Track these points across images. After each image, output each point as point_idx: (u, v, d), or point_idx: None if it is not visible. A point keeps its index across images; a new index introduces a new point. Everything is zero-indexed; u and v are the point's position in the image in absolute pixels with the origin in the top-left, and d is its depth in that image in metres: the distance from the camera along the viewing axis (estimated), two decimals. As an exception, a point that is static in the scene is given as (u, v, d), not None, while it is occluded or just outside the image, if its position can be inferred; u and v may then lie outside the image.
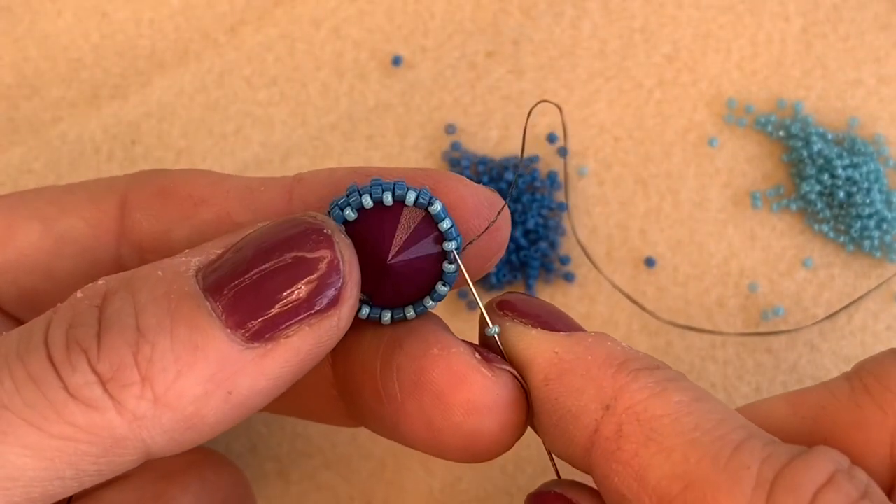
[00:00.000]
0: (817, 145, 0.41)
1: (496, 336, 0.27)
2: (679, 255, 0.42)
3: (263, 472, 0.39)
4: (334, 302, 0.24)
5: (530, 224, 0.41)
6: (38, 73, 0.45)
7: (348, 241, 0.25)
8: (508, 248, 0.41)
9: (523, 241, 0.41)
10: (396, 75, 0.44)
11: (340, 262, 0.24)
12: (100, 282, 0.24)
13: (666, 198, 0.42)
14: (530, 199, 0.41)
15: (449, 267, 0.27)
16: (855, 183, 0.41)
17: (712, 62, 0.44)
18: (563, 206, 0.42)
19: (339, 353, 0.28)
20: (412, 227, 0.27)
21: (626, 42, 0.44)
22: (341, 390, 0.30)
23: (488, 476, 0.40)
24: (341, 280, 0.24)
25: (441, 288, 0.27)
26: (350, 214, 0.26)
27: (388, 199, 0.26)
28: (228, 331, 0.23)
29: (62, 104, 0.44)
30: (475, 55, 0.44)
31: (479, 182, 0.42)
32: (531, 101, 0.43)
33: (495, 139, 0.43)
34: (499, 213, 0.28)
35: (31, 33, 0.45)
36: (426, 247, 0.27)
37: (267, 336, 0.24)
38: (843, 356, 0.40)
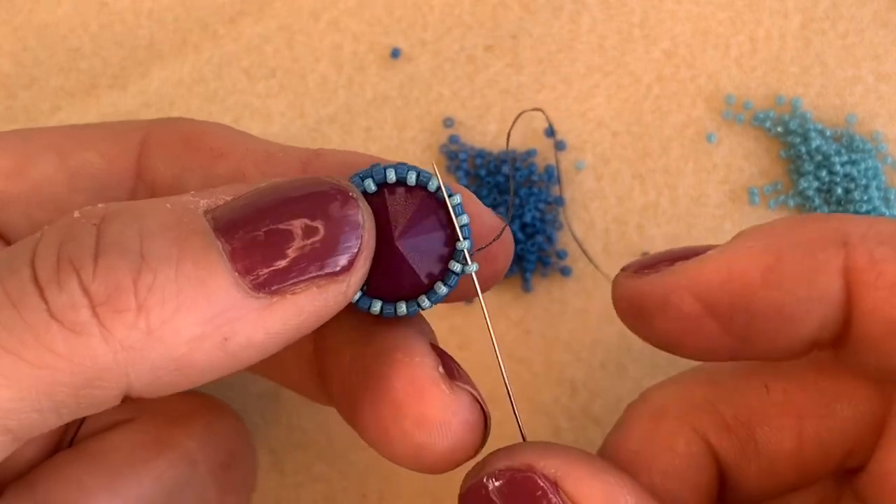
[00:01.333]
0: (815, 142, 0.41)
1: (473, 275, 0.26)
2: (676, 251, 0.42)
3: (258, 463, 0.39)
4: (347, 267, 0.23)
5: (527, 218, 0.41)
6: (36, 62, 0.45)
7: (370, 209, 0.24)
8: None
9: (520, 235, 0.41)
10: (395, 68, 0.44)
11: (361, 228, 0.23)
12: (100, 205, 0.23)
13: (663, 193, 0.42)
14: (527, 193, 0.41)
15: (455, 266, 0.26)
16: (853, 180, 0.41)
17: (711, 58, 0.44)
18: (560, 201, 0.42)
19: (320, 332, 0.27)
20: (427, 216, 0.26)
21: (624, 37, 0.44)
22: (318, 368, 0.29)
23: (483, 469, 0.40)
24: (358, 246, 0.23)
25: (440, 288, 0.26)
26: (370, 186, 0.25)
27: (412, 178, 0.25)
28: (236, 274, 0.22)
29: (60, 94, 0.44)
30: (474, 49, 0.44)
31: (476, 175, 0.42)
32: (530, 95, 0.43)
33: (493, 133, 0.43)
34: (501, 232, 0.27)
35: (29, 22, 0.45)
36: (435, 242, 0.26)
37: (274, 288, 0.22)
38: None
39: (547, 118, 0.43)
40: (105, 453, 0.29)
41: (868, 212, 0.41)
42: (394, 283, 0.26)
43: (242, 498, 0.33)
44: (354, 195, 0.24)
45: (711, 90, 0.43)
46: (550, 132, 0.43)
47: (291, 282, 0.23)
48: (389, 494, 0.39)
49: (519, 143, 0.43)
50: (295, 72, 0.44)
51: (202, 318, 0.22)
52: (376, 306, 0.26)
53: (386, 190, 0.26)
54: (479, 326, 0.41)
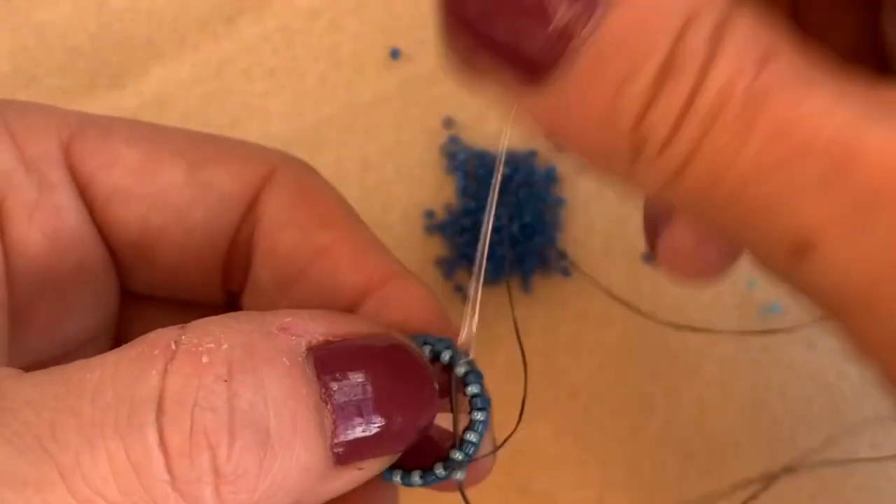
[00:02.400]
0: (816, 142, 0.41)
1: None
2: (676, 252, 0.41)
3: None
4: (403, 446, 0.24)
5: (527, 219, 0.41)
6: (35, 61, 0.44)
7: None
8: (505, 242, 0.41)
9: (520, 236, 0.41)
10: (394, 68, 0.44)
11: (434, 420, 0.24)
12: (224, 346, 0.22)
13: (664, 194, 0.42)
14: (527, 193, 0.41)
15: (439, 472, 0.25)
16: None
17: (712, 58, 0.44)
18: (560, 201, 0.42)
19: None
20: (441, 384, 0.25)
21: (625, 37, 0.44)
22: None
23: (483, 471, 0.40)
24: (424, 432, 0.24)
25: (439, 470, 0.25)
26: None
27: (445, 357, 0.25)
28: (331, 453, 0.22)
29: (59, 93, 0.44)
30: (474, 48, 0.44)
31: (476, 176, 0.42)
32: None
33: (493, 133, 0.43)
34: (495, 450, 0.27)
35: (28, 21, 0.45)
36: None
37: (350, 464, 0.23)
38: (840, 354, 0.40)
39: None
40: None
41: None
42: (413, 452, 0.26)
43: None
44: (436, 385, 0.24)
45: (712, 90, 0.43)
46: (550, 132, 0.43)
47: (362, 458, 0.23)
48: (389, 496, 0.39)
49: (519, 143, 0.43)
50: (294, 71, 0.44)
51: (293, 499, 0.22)
52: (396, 476, 0.26)
53: None
54: (478, 326, 0.41)
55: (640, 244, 0.41)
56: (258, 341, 0.22)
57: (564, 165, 0.42)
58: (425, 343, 0.25)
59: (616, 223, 0.42)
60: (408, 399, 0.23)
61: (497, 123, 0.43)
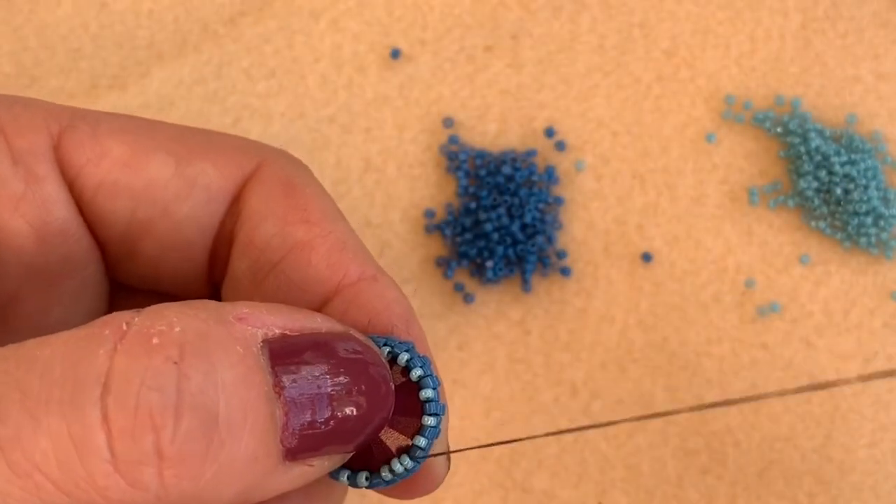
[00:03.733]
0: (815, 142, 0.41)
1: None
2: (676, 251, 0.42)
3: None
4: (357, 444, 0.24)
5: (527, 218, 0.41)
6: (36, 62, 0.45)
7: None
8: (505, 242, 0.41)
9: (520, 236, 0.41)
10: (395, 68, 0.44)
11: (386, 423, 0.24)
12: (176, 328, 0.21)
13: (663, 193, 0.42)
14: (527, 193, 0.41)
15: (397, 467, 0.25)
16: (852, 180, 0.41)
17: (711, 58, 0.44)
18: (560, 201, 0.42)
19: None
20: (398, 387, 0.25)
21: (624, 37, 0.44)
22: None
23: (483, 470, 0.40)
24: (377, 433, 0.24)
25: (397, 465, 0.25)
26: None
27: (403, 359, 0.25)
28: (281, 447, 0.22)
29: (60, 94, 0.44)
30: (474, 49, 0.44)
31: (476, 175, 0.42)
32: (530, 95, 0.43)
33: (493, 133, 0.43)
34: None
35: (30, 22, 0.45)
36: (406, 411, 0.25)
37: (300, 459, 0.22)
38: (839, 353, 0.40)
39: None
40: None
41: (868, 212, 0.41)
42: (364, 453, 0.26)
43: None
44: (393, 387, 0.24)
45: (711, 90, 0.43)
46: (551, 132, 0.43)
47: (315, 454, 0.23)
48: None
49: (519, 143, 0.43)
50: (295, 72, 0.44)
51: (240, 489, 0.22)
52: (343, 476, 0.25)
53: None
54: (478, 326, 0.41)
55: (640, 243, 0.42)
56: (213, 328, 0.22)
57: (565, 165, 0.42)
58: (385, 344, 0.25)
59: (616, 223, 0.42)
60: (362, 398, 0.23)
61: (497, 124, 0.43)
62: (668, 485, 0.39)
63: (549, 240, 0.41)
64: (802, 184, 0.41)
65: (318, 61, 0.44)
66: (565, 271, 0.41)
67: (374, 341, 0.25)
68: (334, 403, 0.22)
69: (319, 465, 0.23)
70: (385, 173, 0.43)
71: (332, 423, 0.22)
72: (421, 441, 0.24)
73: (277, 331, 0.23)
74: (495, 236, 0.41)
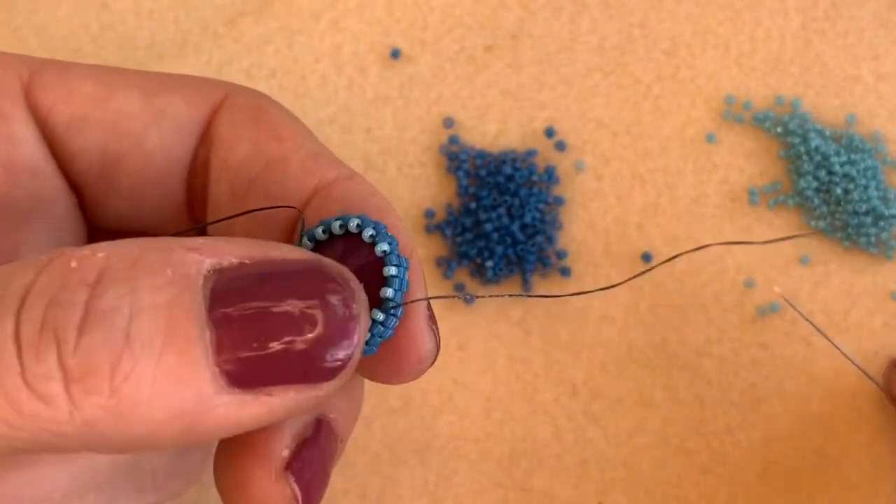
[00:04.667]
0: (815, 142, 0.41)
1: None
2: (676, 251, 0.42)
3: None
4: (329, 377, 0.23)
5: (527, 218, 0.41)
6: (37, 63, 0.45)
7: (367, 322, 0.24)
8: (505, 242, 0.41)
9: (520, 236, 0.41)
10: (395, 68, 0.44)
11: (353, 346, 0.23)
12: (100, 253, 0.22)
13: (663, 193, 0.42)
14: (527, 193, 0.41)
15: (378, 315, 0.25)
16: (852, 180, 0.41)
17: (711, 58, 0.44)
18: (560, 201, 0.42)
19: None
20: (363, 263, 0.25)
21: (624, 37, 0.44)
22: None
23: (483, 469, 0.40)
24: (347, 363, 0.23)
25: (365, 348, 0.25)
26: (319, 234, 0.25)
27: (366, 233, 0.25)
28: (217, 370, 0.21)
29: (61, 94, 0.44)
30: (474, 49, 0.44)
31: (476, 175, 0.42)
32: (530, 96, 0.43)
33: (493, 133, 0.43)
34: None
35: (30, 23, 0.45)
36: (368, 287, 0.24)
37: (251, 388, 0.22)
38: (839, 353, 0.40)
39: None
40: None
41: (868, 211, 0.41)
42: None
43: None
44: (358, 308, 0.23)
45: (711, 90, 0.43)
46: (551, 132, 0.43)
47: (270, 385, 0.22)
48: (389, 494, 0.39)
49: (519, 143, 0.43)
50: (295, 72, 0.44)
51: (171, 411, 0.21)
52: None
53: (340, 240, 0.25)
54: (478, 326, 0.41)
55: (640, 243, 0.42)
56: (147, 254, 0.22)
57: (565, 165, 0.43)
58: (358, 219, 0.25)
59: (616, 223, 0.42)
60: (315, 323, 0.22)
61: (497, 124, 0.43)
62: (668, 485, 0.39)
63: (550, 240, 0.41)
64: (802, 184, 0.41)
65: (319, 61, 0.44)
66: (565, 271, 0.41)
67: (346, 219, 0.25)
68: (279, 326, 0.22)
69: (284, 398, 0.22)
70: (385, 173, 0.43)
71: (277, 348, 0.22)
72: (388, 292, 0.24)
73: (235, 259, 0.23)
74: (495, 236, 0.41)
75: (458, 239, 0.41)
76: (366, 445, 0.40)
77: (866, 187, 0.41)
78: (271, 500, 0.25)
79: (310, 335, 0.22)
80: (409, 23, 0.44)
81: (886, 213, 0.41)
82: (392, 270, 0.24)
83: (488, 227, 0.41)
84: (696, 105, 0.43)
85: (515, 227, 0.41)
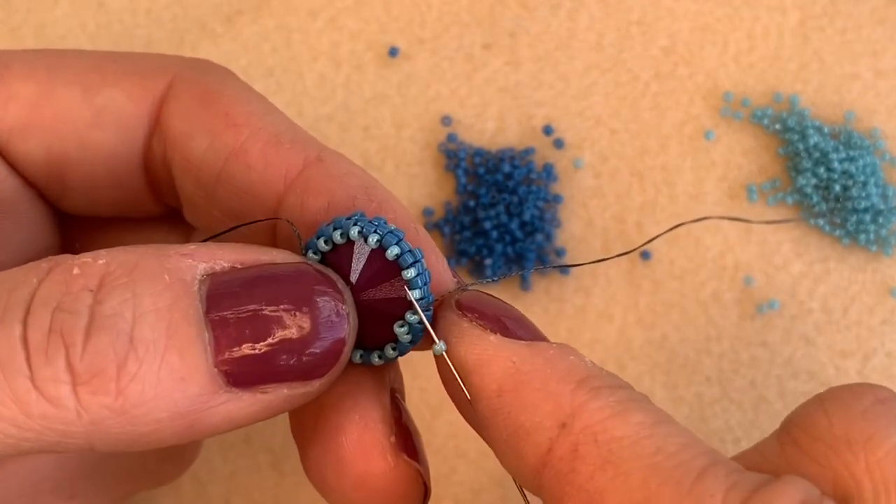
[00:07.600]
0: (813, 139, 0.41)
1: (444, 354, 0.25)
2: (675, 249, 0.42)
3: (257, 463, 0.39)
4: (320, 374, 0.24)
5: (526, 216, 0.41)
6: (34, 62, 0.44)
7: (356, 322, 0.25)
8: (504, 240, 0.41)
9: (519, 234, 0.41)
10: (393, 66, 0.44)
11: (345, 347, 0.24)
12: (101, 261, 0.23)
13: (662, 191, 0.42)
14: (526, 191, 0.41)
15: (411, 318, 0.25)
16: (851, 177, 0.41)
17: (709, 55, 0.44)
18: (558, 199, 0.42)
19: None
20: (377, 267, 0.25)
21: (622, 34, 0.44)
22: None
23: (483, 467, 0.40)
24: (336, 361, 0.24)
25: (389, 352, 0.26)
26: (338, 239, 0.25)
27: (372, 240, 0.25)
28: (216, 370, 0.23)
29: (58, 94, 0.44)
30: (472, 47, 0.44)
31: (475, 173, 0.42)
32: (528, 93, 0.43)
33: (491, 131, 0.43)
34: (459, 288, 0.26)
35: (27, 22, 0.45)
36: (392, 289, 0.25)
37: (248, 386, 0.23)
38: (839, 350, 0.40)
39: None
40: None
41: (866, 208, 0.41)
42: (367, 331, 0.26)
43: None
44: (346, 311, 0.24)
45: (709, 87, 0.43)
46: (549, 130, 0.43)
47: (265, 384, 0.23)
48: (389, 493, 0.39)
49: (517, 140, 0.43)
50: (293, 71, 0.44)
51: (174, 410, 0.22)
52: (356, 356, 0.26)
53: (346, 249, 0.25)
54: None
55: (639, 240, 0.42)
56: (145, 261, 0.23)
57: (563, 163, 0.42)
58: (356, 223, 0.25)
59: (615, 221, 0.42)
60: (305, 323, 0.23)
61: (495, 122, 0.43)
62: (668, 482, 0.39)
63: (548, 238, 0.41)
64: (801, 181, 0.41)
65: (316, 60, 0.44)
66: (564, 270, 0.41)
67: (341, 223, 0.25)
68: (272, 327, 0.23)
69: (277, 395, 0.23)
70: (384, 171, 0.43)
71: (269, 347, 0.23)
72: (414, 293, 0.25)
73: (226, 264, 0.24)
74: (494, 234, 0.41)
75: (457, 237, 0.41)
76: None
77: (865, 184, 0.41)
78: (402, 483, 0.25)
79: (301, 335, 0.23)
80: (407, 21, 0.44)
81: (885, 210, 0.41)
82: (410, 273, 0.25)
83: (487, 224, 0.41)
84: (695, 102, 0.43)
85: (514, 224, 0.41)
